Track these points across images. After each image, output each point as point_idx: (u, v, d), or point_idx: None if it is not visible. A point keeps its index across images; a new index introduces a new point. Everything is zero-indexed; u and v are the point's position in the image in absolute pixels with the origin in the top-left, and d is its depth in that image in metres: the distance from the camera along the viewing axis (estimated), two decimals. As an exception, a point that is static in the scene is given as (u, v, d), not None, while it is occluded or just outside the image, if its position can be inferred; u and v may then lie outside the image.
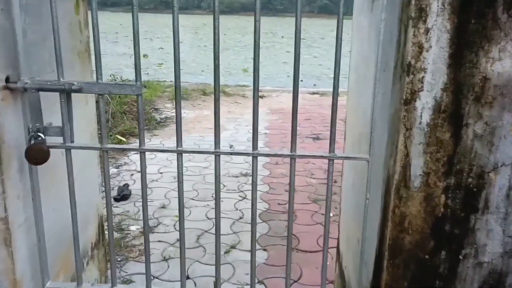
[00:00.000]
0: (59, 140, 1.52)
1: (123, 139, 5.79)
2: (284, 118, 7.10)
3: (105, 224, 2.28)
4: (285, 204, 4.13)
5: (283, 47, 24.44)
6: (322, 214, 3.99)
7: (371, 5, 1.85)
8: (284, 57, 20.34)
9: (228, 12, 70.99)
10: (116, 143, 5.70)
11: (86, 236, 2.14)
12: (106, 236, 2.37)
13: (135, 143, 5.85)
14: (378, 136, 1.54)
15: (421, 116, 1.39)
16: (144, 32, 31.98)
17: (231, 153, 1.60)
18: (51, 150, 1.48)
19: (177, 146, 1.56)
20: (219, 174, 1.59)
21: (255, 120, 1.55)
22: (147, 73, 15.24)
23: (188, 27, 39.34)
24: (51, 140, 1.51)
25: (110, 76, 8.32)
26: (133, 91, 1.49)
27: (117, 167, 4.92)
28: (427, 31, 1.33)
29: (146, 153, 1.60)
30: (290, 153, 1.54)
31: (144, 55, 19.04)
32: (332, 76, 1.47)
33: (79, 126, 1.86)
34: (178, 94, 1.52)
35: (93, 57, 1.78)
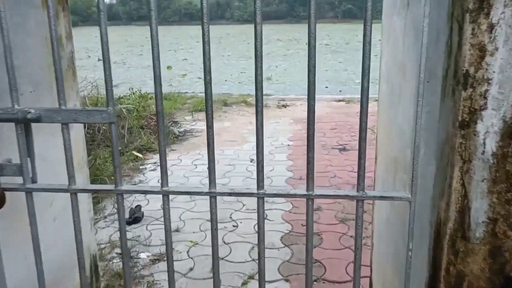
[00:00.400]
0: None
1: (140, 155, 5.54)
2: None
3: (99, 264, 1.98)
4: (310, 225, 3.76)
5: (306, 54, 24.06)
6: (351, 236, 3.60)
7: (406, 0, 1.49)
8: (308, 63, 19.93)
9: (251, 21, 70.77)
10: (132, 160, 5.46)
11: (74, 281, 1.84)
12: (100, 278, 2.07)
13: (152, 159, 5.59)
14: (422, 167, 1.18)
15: (484, 143, 1.02)
16: (169, 44, 32.22)
17: (230, 194, 1.26)
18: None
19: (162, 186, 1.23)
20: (216, 219, 1.25)
21: (259, 152, 1.21)
22: (170, 85, 15.12)
23: (212, 37, 39.45)
24: (12, 180, 1.22)
25: (129, 89, 8.15)
26: (103, 118, 1.17)
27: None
28: (491, 27, 0.96)
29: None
30: (306, 192, 1.19)
31: (168, 67, 19.02)
32: (358, 81, 1.13)
33: (61, 156, 1.58)
34: (162, 122, 1.19)
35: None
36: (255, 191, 1.22)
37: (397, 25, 1.65)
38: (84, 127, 5.79)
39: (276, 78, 16.18)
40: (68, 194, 1.67)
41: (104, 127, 5.76)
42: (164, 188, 1.22)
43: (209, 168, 1.21)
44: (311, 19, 1.09)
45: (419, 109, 1.10)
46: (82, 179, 1.97)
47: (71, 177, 1.25)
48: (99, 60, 23.39)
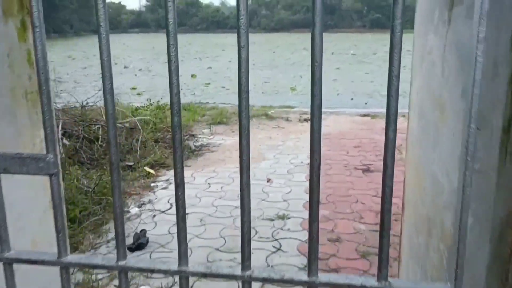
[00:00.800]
0: None
1: (152, 171, 5.30)
2: (330, 145, 6.37)
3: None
4: (329, 258, 3.41)
5: (332, 64, 23.68)
6: (374, 274, 3.23)
7: (447, 14, 1.16)
8: (334, 74, 19.56)
9: (278, 29, 70.97)
10: (144, 176, 5.22)
11: None
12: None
13: (164, 176, 5.34)
14: (470, 250, 0.85)
15: None
16: (194, 52, 32.33)
17: (205, 275, 0.95)
18: None
19: (118, 259, 0.93)
20: (188, 307, 0.95)
21: (244, 220, 0.90)
22: (193, 93, 15.00)
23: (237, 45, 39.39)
24: None
25: (147, 100, 7.97)
26: (40, 168, 0.89)
27: (139, 206, 4.40)
28: None
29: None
30: (307, 279, 0.87)
31: (192, 75, 18.97)
32: (384, 93, 0.83)
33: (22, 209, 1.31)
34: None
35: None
36: (239, 273, 0.90)
37: (434, 45, 1.32)
38: (94, 141, 5.58)
39: (300, 89, 15.85)
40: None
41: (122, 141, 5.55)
42: (120, 263, 0.92)
43: (178, 241, 0.90)
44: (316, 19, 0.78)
45: (468, 172, 0.78)
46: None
47: (3, 241, 0.96)
48: (125, 67, 23.59)
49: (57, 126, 5.72)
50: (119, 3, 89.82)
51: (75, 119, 5.94)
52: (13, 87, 1.41)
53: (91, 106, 6.30)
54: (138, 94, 14.85)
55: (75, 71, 21.88)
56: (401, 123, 1.34)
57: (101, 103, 6.60)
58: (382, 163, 0.86)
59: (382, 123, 8.05)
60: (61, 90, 16.38)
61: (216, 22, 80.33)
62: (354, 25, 66.64)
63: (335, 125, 7.49)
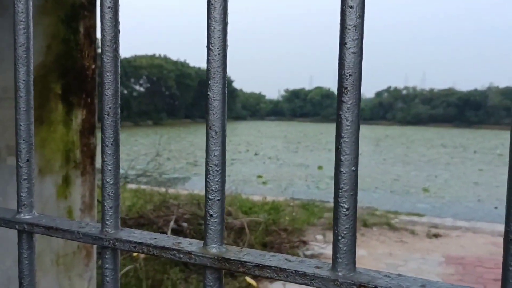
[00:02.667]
0: None
1: (253, 282, 4.95)
2: (462, 274, 5.38)
3: None
4: None
5: (475, 164, 21.63)
6: None
7: None
8: (475, 176, 17.73)
9: (414, 123, 68.76)
10: (245, 287, 4.90)
11: None
12: None
13: None
14: None
15: None
16: (325, 142, 32.59)
17: None
18: None
19: None
20: None
21: None
22: (318, 187, 14.74)
23: (370, 138, 38.84)
24: None
25: (262, 198, 7.85)
26: None
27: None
28: None
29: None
30: None
31: (319, 167, 18.84)
32: None
33: None
34: None
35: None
36: None
37: None
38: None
39: (434, 190, 14.53)
40: None
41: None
42: None
43: None
44: None
45: None
46: None
47: None
48: (255, 154, 24.56)
49: (169, 222, 5.82)
50: (260, 93, 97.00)
51: (189, 214, 6.00)
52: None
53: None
54: (264, 183, 15.08)
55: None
56: None
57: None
58: None
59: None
60: (194, 174, 17.51)
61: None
62: (502, 122, 61.43)
63: (471, 247, 6.43)
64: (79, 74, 1.49)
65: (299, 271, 0.48)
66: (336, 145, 0.48)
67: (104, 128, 0.59)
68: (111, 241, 0.58)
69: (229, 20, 0.52)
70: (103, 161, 0.59)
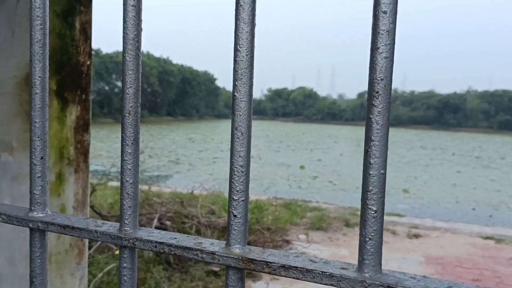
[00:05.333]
0: None
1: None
2: (442, 273, 5.48)
3: None
4: None
5: (453, 166, 22.03)
6: None
7: None
8: (453, 178, 18.06)
9: (394, 125, 69.70)
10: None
11: None
12: None
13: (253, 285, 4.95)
14: None
15: None
16: (307, 142, 32.76)
17: None
18: None
19: None
20: None
21: None
22: (299, 186, 14.82)
23: (352, 139, 39.18)
24: None
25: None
26: None
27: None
28: None
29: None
30: None
31: (301, 167, 18.94)
32: None
33: None
34: None
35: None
36: None
37: None
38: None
39: (413, 192, 14.74)
40: None
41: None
42: None
43: None
44: None
45: None
46: None
47: None
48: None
49: (153, 220, 5.77)
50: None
51: (172, 212, 5.96)
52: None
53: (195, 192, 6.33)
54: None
55: (192, 154, 23.30)
56: None
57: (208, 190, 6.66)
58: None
59: (509, 252, 6.87)
60: (176, 172, 17.41)
61: (332, 114, 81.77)
62: (480, 125, 62.76)
63: (450, 247, 6.55)
64: (74, 70, 1.47)
65: (325, 272, 0.49)
66: (365, 148, 0.48)
67: (125, 127, 0.58)
68: (131, 241, 0.58)
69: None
70: (122, 160, 0.59)
